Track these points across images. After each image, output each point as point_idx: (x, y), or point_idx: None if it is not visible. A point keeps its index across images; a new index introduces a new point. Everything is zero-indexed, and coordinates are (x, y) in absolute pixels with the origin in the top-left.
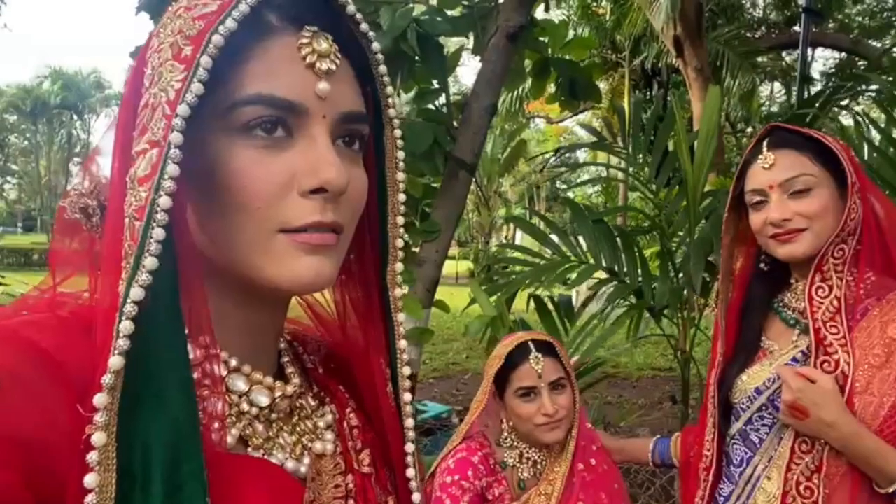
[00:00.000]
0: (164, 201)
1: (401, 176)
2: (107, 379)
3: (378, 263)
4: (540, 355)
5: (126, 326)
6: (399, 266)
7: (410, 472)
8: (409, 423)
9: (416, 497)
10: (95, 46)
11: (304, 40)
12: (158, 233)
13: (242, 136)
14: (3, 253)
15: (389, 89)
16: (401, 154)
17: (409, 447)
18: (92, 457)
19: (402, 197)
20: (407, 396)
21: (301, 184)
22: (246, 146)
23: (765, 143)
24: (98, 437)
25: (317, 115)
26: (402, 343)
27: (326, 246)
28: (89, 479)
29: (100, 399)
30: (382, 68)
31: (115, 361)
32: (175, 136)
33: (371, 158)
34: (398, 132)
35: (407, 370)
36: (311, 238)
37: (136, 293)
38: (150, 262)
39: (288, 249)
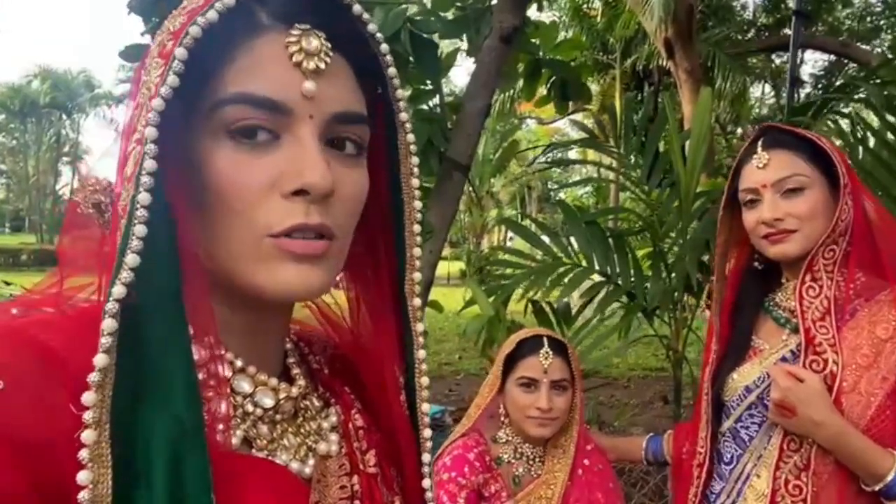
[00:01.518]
0: (143, 197)
1: (415, 182)
2: (93, 377)
3: (395, 272)
4: (551, 352)
5: (109, 324)
6: (417, 276)
7: (426, 483)
8: (427, 433)
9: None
10: (88, 45)
11: (292, 38)
12: (140, 229)
13: (226, 138)
14: None
15: (400, 92)
16: (415, 160)
17: (426, 458)
18: (83, 453)
19: (417, 204)
20: (426, 407)
21: (283, 186)
22: (230, 147)
23: (759, 143)
24: (87, 434)
25: (303, 116)
26: (422, 353)
27: (314, 255)
28: (82, 476)
29: (87, 397)
30: (392, 70)
31: (100, 359)
32: (150, 130)
33: (383, 163)
34: (411, 136)
35: (426, 380)
36: (296, 246)
37: (118, 291)
38: (131, 259)
39: (275, 255)
